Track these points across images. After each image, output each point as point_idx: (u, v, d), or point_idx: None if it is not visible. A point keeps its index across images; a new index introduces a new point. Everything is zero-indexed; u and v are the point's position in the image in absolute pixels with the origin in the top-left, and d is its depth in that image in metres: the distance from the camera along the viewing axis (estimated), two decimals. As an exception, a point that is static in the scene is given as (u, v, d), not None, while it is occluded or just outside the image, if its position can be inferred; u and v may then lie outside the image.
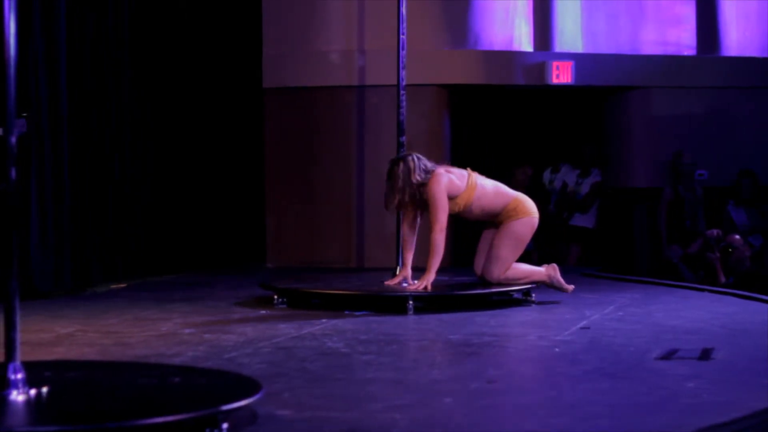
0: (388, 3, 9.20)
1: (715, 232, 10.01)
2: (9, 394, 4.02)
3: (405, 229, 7.48)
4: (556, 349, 5.75)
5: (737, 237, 9.88)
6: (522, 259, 7.88)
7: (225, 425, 3.88)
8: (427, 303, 7.23)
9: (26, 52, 7.65)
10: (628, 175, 11.15)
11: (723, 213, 10.86)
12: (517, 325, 6.70)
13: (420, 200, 7.26)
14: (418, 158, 7.25)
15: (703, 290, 8.26)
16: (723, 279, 9.55)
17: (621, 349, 5.66)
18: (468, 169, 7.40)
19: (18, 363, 4.07)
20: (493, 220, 7.42)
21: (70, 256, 8.11)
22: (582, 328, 6.38)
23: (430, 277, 7.17)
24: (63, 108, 8.05)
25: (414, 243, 7.43)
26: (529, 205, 7.45)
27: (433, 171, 7.21)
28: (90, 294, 8.18)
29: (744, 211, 10.81)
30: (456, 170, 7.35)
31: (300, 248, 10.33)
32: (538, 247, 10.81)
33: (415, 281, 7.38)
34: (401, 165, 7.22)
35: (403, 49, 8.12)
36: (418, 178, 7.17)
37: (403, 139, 8.07)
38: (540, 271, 7.47)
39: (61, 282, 8.02)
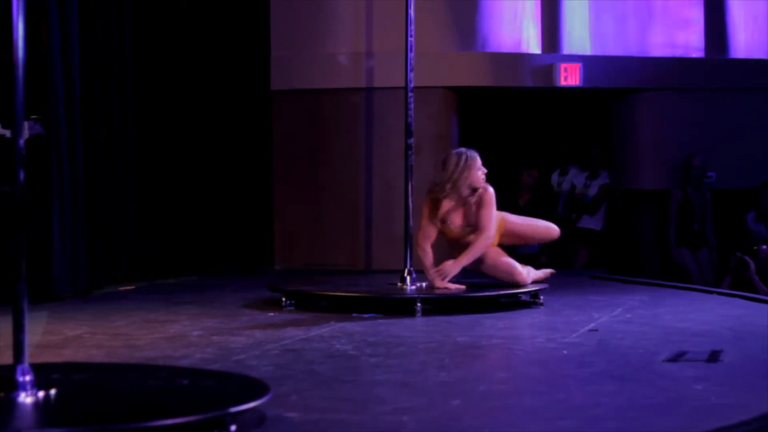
0: (396, 5, 9.21)
1: (733, 260, 9.88)
2: (17, 396, 4.03)
3: (425, 246, 7.42)
4: (564, 352, 5.75)
5: (764, 247, 9.77)
6: (529, 262, 7.88)
7: (233, 427, 3.88)
8: (435, 305, 7.24)
9: (45, 56, 7.65)
10: (635, 177, 11.13)
11: (741, 226, 10.73)
12: (525, 327, 6.70)
13: (465, 205, 7.29)
14: (474, 157, 7.31)
15: (711, 293, 8.26)
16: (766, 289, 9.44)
17: (629, 352, 5.66)
18: None
19: (26, 365, 4.08)
20: None
21: (85, 259, 8.10)
22: (590, 330, 6.37)
23: (457, 268, 7.24)
24: (76, 113, 8.03)
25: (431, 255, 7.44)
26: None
27: (478, 187, 7.27)
28: (98, 296, 8.18)
29: (764, 226, 10.67)
30: None
31: (308, 250, 10.33)
32: (547, 250, 10.80)
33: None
34: (463, 158, 7.28)
35: (411, 51, 8.12)
36: (467, 189, 7.24)
37: (411, 141, 8.07)
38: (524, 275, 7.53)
39: (77, 286, 8.00)
